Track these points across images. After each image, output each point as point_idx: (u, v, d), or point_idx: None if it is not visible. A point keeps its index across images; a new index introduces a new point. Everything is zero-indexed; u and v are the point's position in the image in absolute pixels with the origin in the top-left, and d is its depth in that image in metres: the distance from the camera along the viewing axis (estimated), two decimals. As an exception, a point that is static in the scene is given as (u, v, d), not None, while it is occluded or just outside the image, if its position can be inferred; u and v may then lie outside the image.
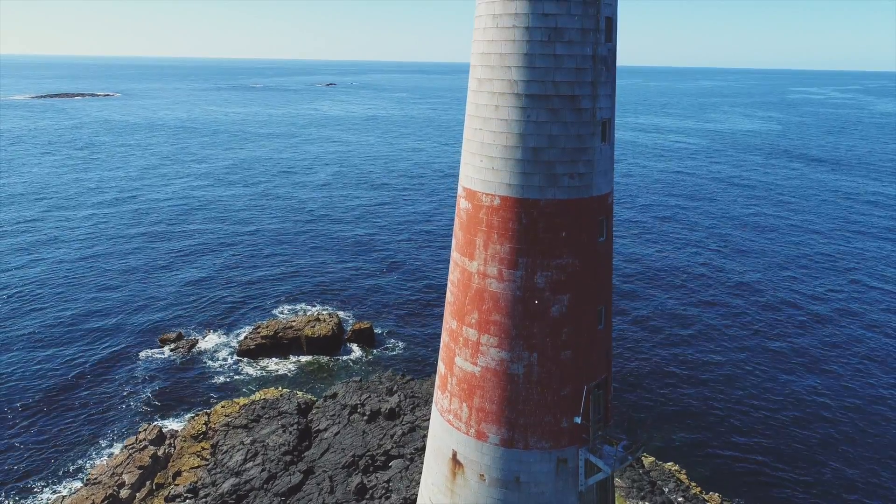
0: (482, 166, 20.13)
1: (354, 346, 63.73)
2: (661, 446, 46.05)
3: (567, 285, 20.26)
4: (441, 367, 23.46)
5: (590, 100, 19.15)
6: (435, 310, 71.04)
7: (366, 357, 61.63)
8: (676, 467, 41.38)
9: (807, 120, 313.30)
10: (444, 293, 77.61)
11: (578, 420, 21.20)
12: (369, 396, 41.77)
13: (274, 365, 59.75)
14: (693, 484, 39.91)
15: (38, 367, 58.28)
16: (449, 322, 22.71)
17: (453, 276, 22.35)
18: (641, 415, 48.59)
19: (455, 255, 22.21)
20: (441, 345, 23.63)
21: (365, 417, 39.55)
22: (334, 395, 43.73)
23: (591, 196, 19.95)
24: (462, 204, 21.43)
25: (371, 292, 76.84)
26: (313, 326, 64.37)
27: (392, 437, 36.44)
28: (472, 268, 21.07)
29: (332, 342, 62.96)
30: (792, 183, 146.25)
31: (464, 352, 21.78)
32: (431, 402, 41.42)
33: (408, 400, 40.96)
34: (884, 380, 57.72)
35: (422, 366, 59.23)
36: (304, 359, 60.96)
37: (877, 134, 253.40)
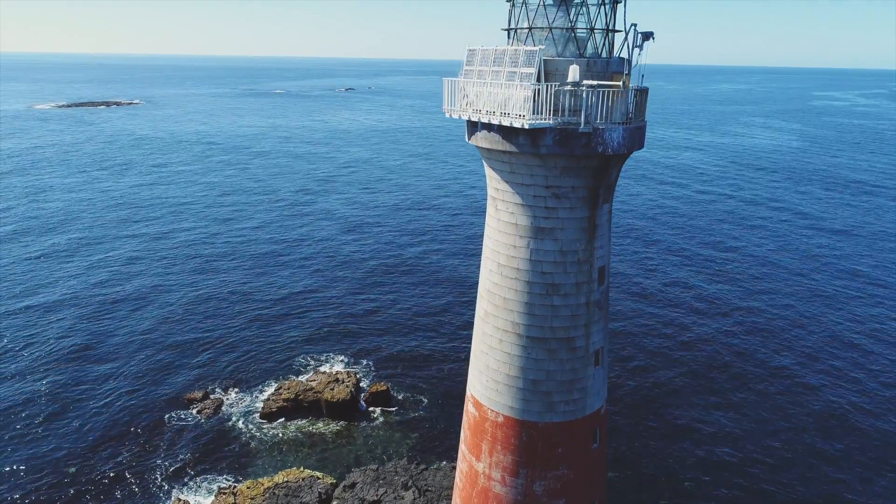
0: (488, 386, 22.68)
1: (372, 410, 66.59)
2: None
3: (562, 491, 22.75)
4: (450, 538, 26.08)
5: (584, 339, 21.59)
6: (452, 364, 73.53)
7: (383, 422, 64.40)
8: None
9: (832, 133, 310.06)
10: (462, 349, 79.35)
11: None
12: (385, 492, 44.60)
13: (295, 430, 62.72)
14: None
15: (52, 422, 60.84)
16: (457, 504, 25.35)
17: (462, 466, 24.94)
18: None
19: (464, 447, 24.78)
20: (451, 520, 26.27)
21: (381, 517, 42.47)
22: (353, 486, 46.62)
23: (584, 416, 22.40)
24: (470, 409, 24.00)
25: (387, 343, 79.47)
26: (332, 389, 67.37)
27: (406, 543, 39.30)
28: (478, 467, 23.63)
29: (351, 405, 65.87)
30: (816, 211, 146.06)
31: (471, 536, 24.35)
32: (444, 498, 44.00)
33: (421, 497, 43.71)
34: None
35: (435, 432, 61.77)
36: (323, 425, 63.88)
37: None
